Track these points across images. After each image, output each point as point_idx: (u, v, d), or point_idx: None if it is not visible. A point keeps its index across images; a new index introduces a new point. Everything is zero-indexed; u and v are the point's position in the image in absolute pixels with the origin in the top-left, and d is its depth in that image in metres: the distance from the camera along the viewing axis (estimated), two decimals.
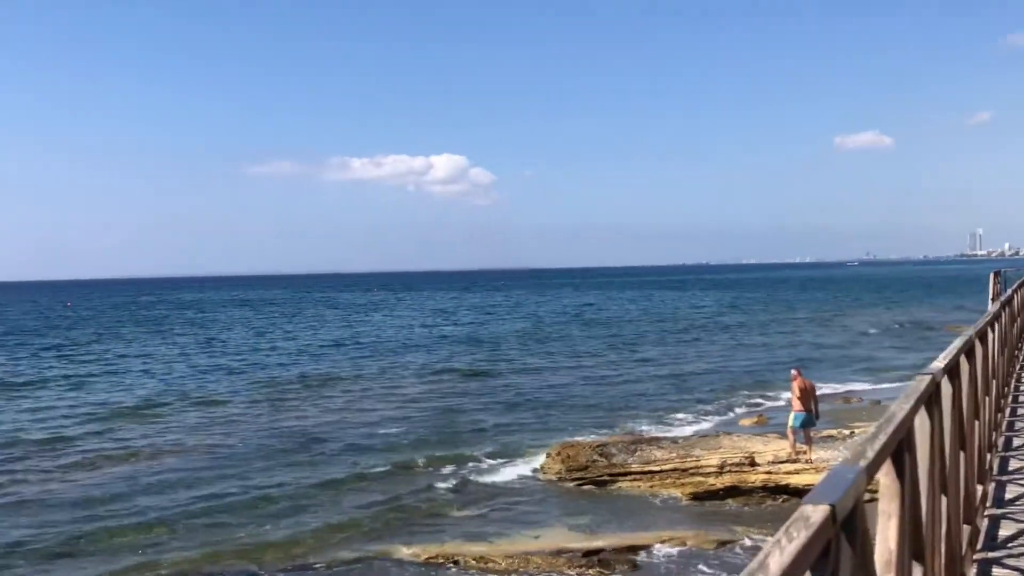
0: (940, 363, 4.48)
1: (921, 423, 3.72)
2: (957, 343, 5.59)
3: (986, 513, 6.82)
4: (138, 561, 17.69)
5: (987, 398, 7.66)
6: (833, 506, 1.90)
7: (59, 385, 44.33)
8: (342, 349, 60.33)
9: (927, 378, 3.77)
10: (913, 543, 3.23)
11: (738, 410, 32.34)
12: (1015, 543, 6.19)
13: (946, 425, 4.52)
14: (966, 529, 5.56)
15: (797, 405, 20.62)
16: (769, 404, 33.08)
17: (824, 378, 39.43)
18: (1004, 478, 8.00)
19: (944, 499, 4.30)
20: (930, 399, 3.83)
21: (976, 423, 6.52)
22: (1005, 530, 6.49)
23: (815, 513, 1.86)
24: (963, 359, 5.77)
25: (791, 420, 20.88)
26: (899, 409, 3.06)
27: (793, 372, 21.35)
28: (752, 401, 34.23)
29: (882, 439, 2.62)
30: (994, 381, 9.04)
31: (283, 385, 42.04)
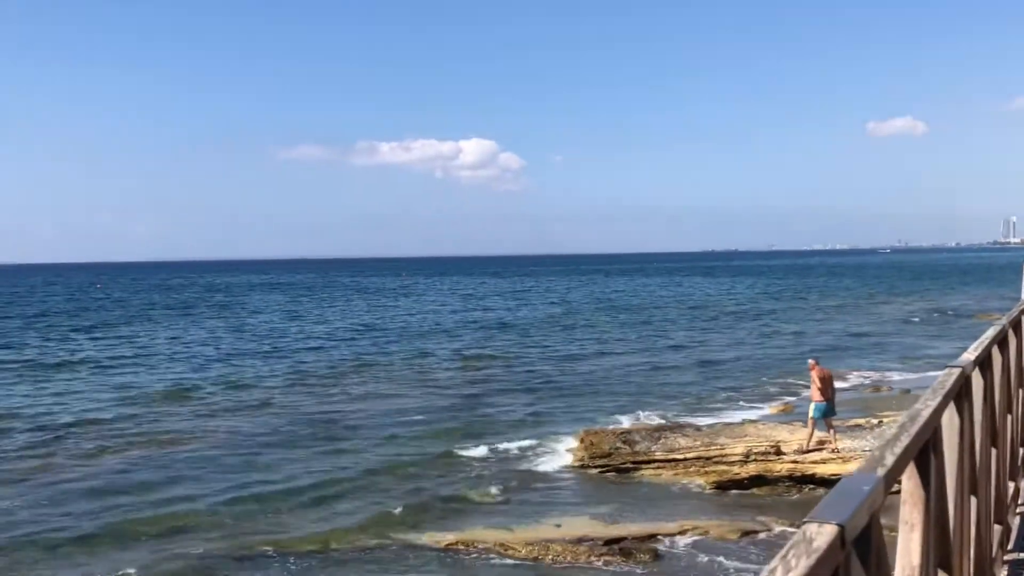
0: (971, 355, 4.19)
1: (949, 420, 3.44)
2: (989, 333, 5.29)
3: (1018, 511, 6.52)
4: (163, 547, 17.67)
5: (1020, 390, 7.34)
6: (842, 526, 1.63)
7: (89, 368, 44.57)
8: (371, 334, 60.30)
9: (956, 371, 3.48)
10: (939, 550, 2.97)
11: (765, 398, 31.87)
12: None
13: (977, 420, 4.23)
14: (997, 529, 5.26)
15: (817, 395, 20.34)
16: (797, 392, 32.61)
17: (856, 366, 39.00)
18: None
19: (973, 499, 4.02)
20: (960, 394, 3.55)
21: (1008, 417, 6.21)
22: None
23: (820, 535, 1.58)
24: (995, 350, 5.46)
25: (812, 411, 20.58)
26: (924, 406, 2.78)
27: (811, 362, 21.08)
28: (780, 389, 33.78)
29: (904, 441, 2.35)
30: None
31: (312, 370, 42.01)
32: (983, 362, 4.55)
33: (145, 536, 18.32)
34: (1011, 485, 6.39)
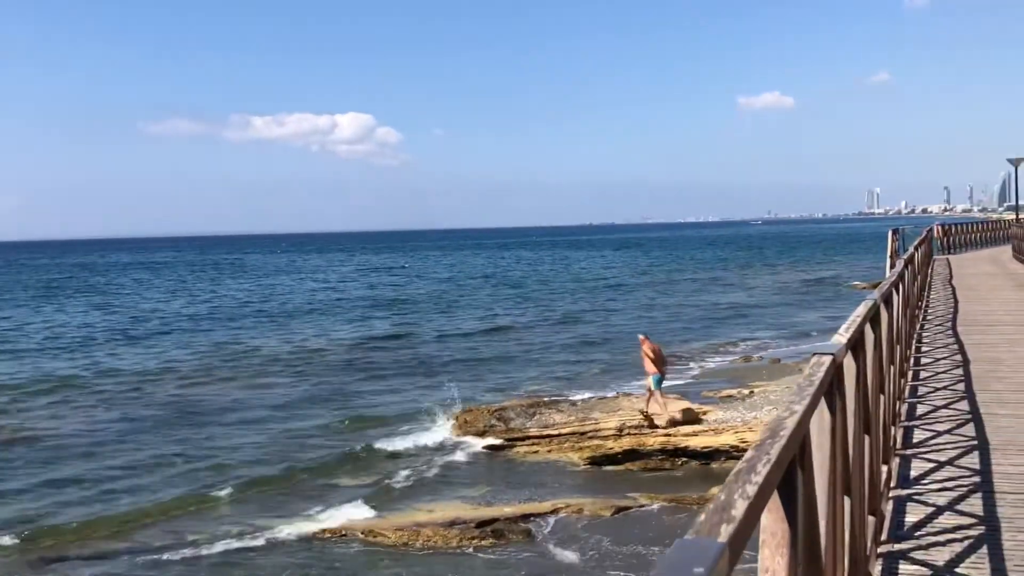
0: (843, 336, 3.69)
1: (819, 422, 2.93)
2: (861, 310, 4.84)
3: (891, 495, 6.17)
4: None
5: (891, 367, 7.02)
6: None
7: None
8: (247, 314, 58.39)
9: (827, 360, 2.95)
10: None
11: (640, 371, 31.62)
12: (922, 531, 5.54)
13: (849, 410, 3.75)
14: (871, 520, 4.86)
15: (652, 368, 20.82)
16: (671, 364, 32.59)
17: (729, 337, 39.48)
18: (909, 452, 7.39)
19: (847, 499, 3.55)
20: (831, 387, 3.03)
21: (881, 397, 5.83)
22: (911, 515, 5.83)
23: None
24: (868, 328, 5.05)
25: (651, 383, 20.96)
26: (789, 413, 2.22)
27: (641, 337, 21.67)
28: None
29: (763, 471, 1.77)
30: (898, 347, 8.44)
31: (186, 356, 39.88)
32: (856, 344, 4.08)
33: None
34: (884, 468, 6.04)
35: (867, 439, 4.47)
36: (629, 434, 20.71)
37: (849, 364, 3.91)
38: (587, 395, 25.70)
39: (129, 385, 32.45)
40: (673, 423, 20.59)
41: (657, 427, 20.68)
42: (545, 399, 25.28)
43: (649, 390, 21.13)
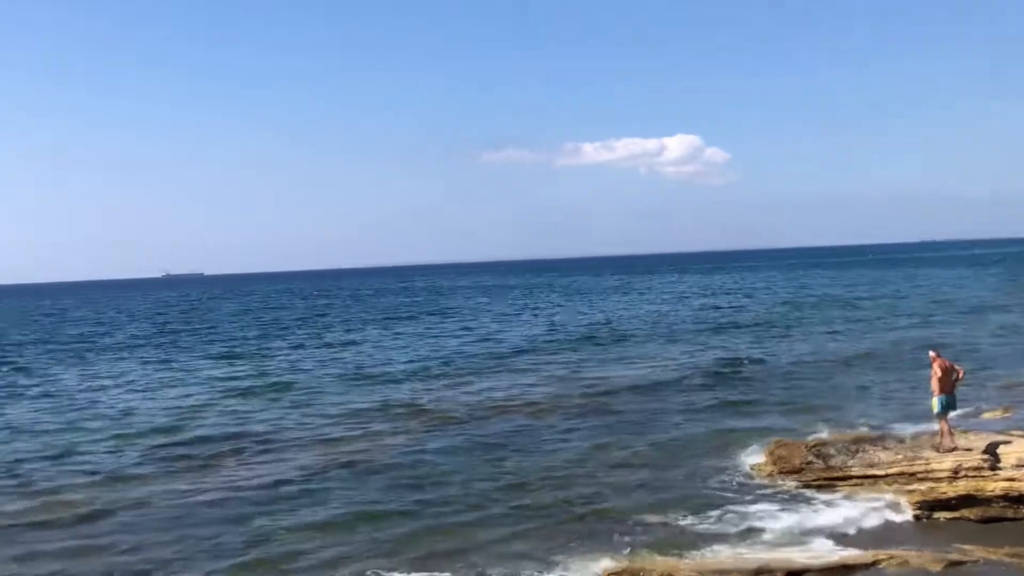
0: None
1: None
2: None
3: None
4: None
5: None
6: None
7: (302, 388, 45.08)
8: (585, 336, 59.04)
9: None
10: None
11: (983, 402, 28.18)
12: None
13: None
14: None
15: (935, 388, 19.36)
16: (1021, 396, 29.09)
17: None
18: None
19: None
20: None
21: None
22: None
23: None
24: None
25: (935, 405, 19.51)
26: None
27: (932, 354, 20.01)
28: (1001, 392, 30.19)
29: None
30: None
31: (512, 383, 40.72)
32: None
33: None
34: None
35: None
36: (966, 476, 18.55)
37: None
38: (917, 429, 23.28)
39: (464, 412, 32.69)
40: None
41: (999, 469, 18.41)
42: (870, 434, 23.36)
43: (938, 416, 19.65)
